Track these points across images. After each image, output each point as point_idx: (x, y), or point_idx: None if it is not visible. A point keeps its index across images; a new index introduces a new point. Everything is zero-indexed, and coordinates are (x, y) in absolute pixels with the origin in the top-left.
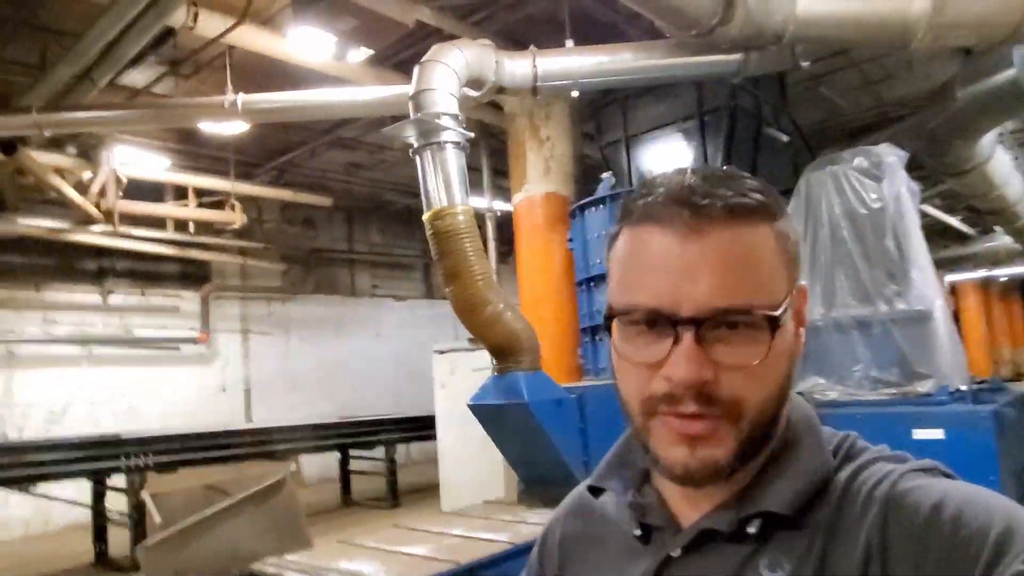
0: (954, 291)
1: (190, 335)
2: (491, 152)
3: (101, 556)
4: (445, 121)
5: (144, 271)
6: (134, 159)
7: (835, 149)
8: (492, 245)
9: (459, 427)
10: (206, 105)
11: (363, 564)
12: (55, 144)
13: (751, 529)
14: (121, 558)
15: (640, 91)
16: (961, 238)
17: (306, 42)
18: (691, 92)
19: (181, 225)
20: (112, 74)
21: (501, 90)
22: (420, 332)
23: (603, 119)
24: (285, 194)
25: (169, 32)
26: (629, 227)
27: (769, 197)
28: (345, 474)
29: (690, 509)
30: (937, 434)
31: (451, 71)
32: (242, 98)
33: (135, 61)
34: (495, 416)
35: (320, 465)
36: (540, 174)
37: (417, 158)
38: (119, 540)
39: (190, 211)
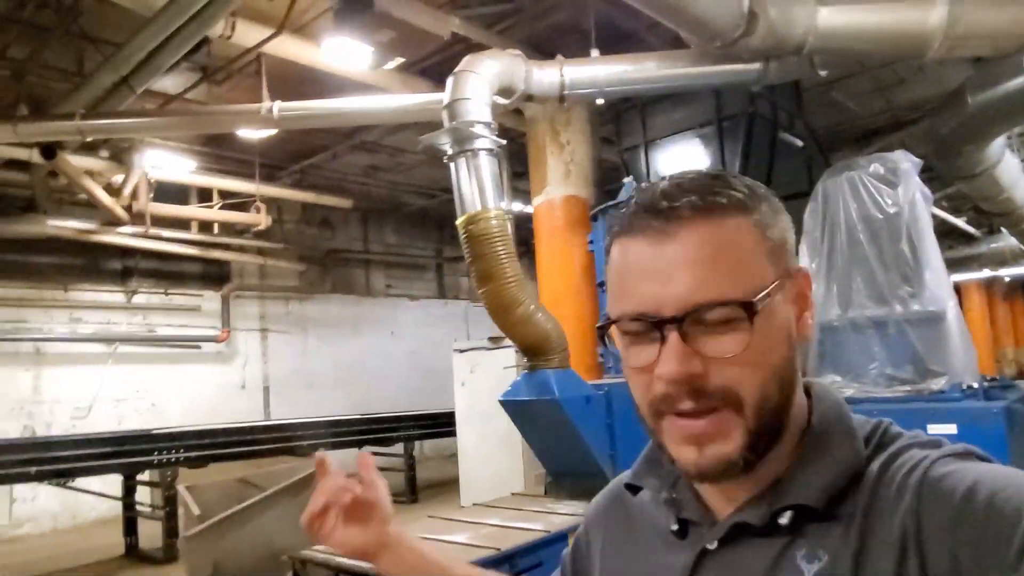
0: (958, 291)
1: (211, 334)
2: (508, 155)
3: (131, 548)
4: (479, 129)
5: (167, 271)
6: (162, 162)
7: (847, 152)
8: None
9: (479, 424)
10: (243, 112)
11: None
12: (88, 148)
13: (783, 521)
14: (151, 550)
15: (659, 97)
16: (966, 239)
17: (343, 52)
18: (710, 98)
19: (204, 226)
20: (150, 81)
21: (530, 98)
22: (433, 331)
23: (622, 124)
24: (307, 196)
25: (203, 40)
26: (616, 240)
27: (743, 192)
28: None
29: (724, 503)
30: (950, 429)
31: (484, 80)
32: (278, 106)
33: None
34: (525, 411)
35: (336, 462)
36: (560, 177)
37: (451, 164)
38: (147, 533)
39: (218, 213)
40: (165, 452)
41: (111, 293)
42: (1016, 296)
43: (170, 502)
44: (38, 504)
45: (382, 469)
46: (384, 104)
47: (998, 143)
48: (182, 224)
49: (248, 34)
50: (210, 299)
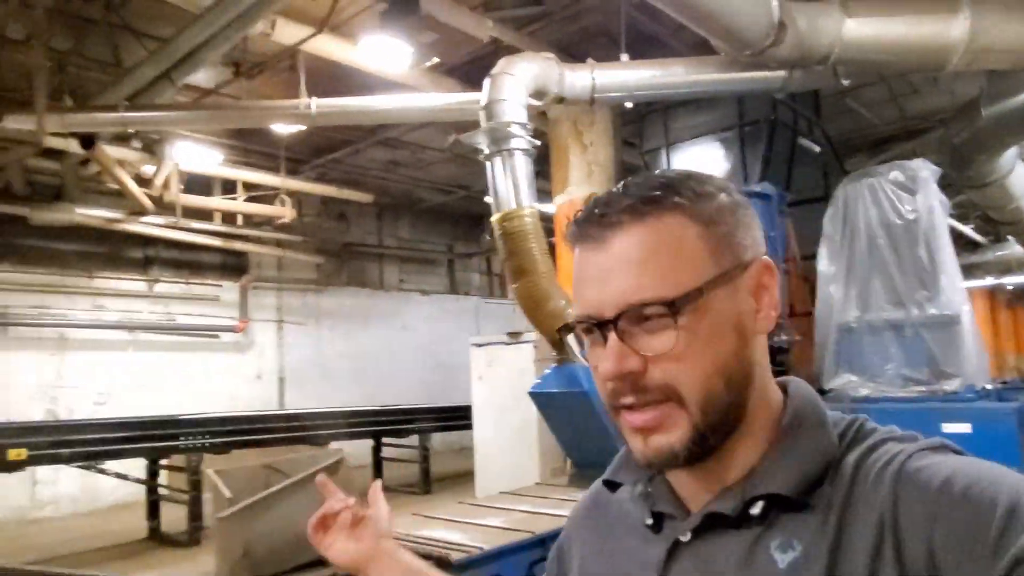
0: None
1: (229, 324)
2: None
3: (154, 532)
4: (515, 129)
5: (186, 261)
6: (192, 154)
7: (859, 158)
8: None
9: (496, 417)
10: (281, 108)
11: (445, 533)
12: (120, 138)
13: (754, 511)
14: (175, 534)
15: (682, 101)
16: (972, 246)
17: (383, 52)
18: (732, 104)
19: (226, 217)
20: (189, 75)
21: (561, 100)
22: (445, 326)
23: (645, 126)
24: (329, 190)
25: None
26: (573, 249)
27: (686, 190)
28: (377, 460)
29: (697, 496)
30: (965, 428)
31: (520, 82)
32: (316, 102)
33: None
34: (554, 403)
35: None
36: (582, 177)
37: (487, 164)
38: (167, 518)
39: (244, 205)
40: (191, 438)
41: (133, 281)
42: (1019, 304)
43: (195, 487)
44: (59, 487)
45: (397, 460)
46: (419, 103)
47: (1010, 154)
48: (206, 215)
49: (287, 31)
50: (229, 289)
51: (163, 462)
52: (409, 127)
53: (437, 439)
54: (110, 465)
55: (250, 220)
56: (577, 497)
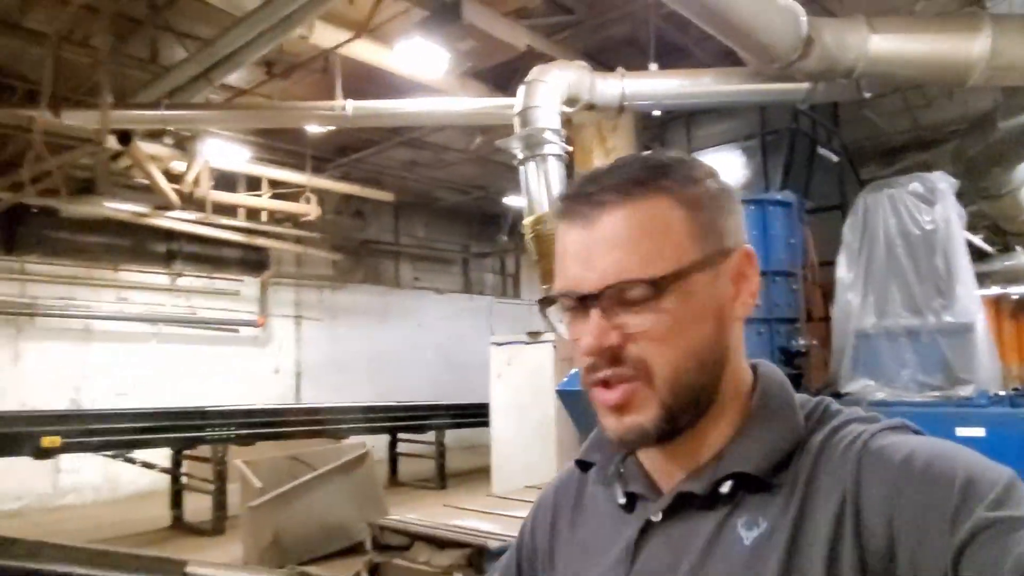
0: None
1: (249, 318)
2: None
3: (177, 520)
4: (549, 135)
5: (208, 255)
6: (221, 151)
7: (872, 167)
8: None
9: (513, 415)
10: (318, 109)
11: (477, 523)
12: (152, 135)
13: (723, 490)
14: (199, 523)
15: (704, 109)
16: (980, 255)
17: (420, 57)
18: (754, 113)
19: (250, 214)
20: (227, 75)
21: (591, 107)
22: (458, 324)
23: (667, 133)
24: (352, 188)
25: None
26: (556, 224)
27: (675, 174)
28: (393, 456)
29: (669, 476)
30: (979, 432)
31: (553, 90)
32: (352, 104)
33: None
34: (581, 401)
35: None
36: None
37: (521, 168)
38: (189, 507)
39: (272, 202)
40: (218, 429)
41: (156, 275)
42: (1023, 314)
43: (220, 477)
44: (81, 476)
45: (414, 456)
46: (451, 107)
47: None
48: (230, 211)
49: (325, 35)
50: (249, 284)
51: (186, 452)
52: (432, 128)
53: (449, 436)
54: (137, 454)
55: (272, 216)
56: None
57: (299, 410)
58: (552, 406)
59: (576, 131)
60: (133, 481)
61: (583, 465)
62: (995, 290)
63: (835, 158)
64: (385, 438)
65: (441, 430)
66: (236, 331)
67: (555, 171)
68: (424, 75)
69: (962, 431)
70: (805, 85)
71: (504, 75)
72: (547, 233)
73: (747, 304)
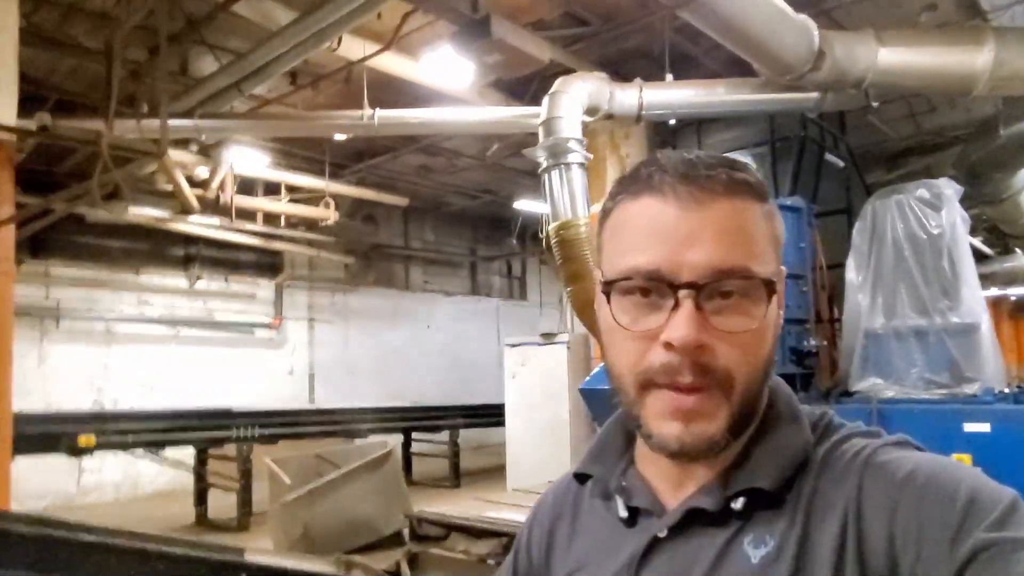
0: None
1: (265, 321)
2: None
3: (202, 517)
4: (572, 144)
5: (224, 259)
6: (243, 157)
7: (877, 172)
8: None
9: (527, 414)
10: (344, 118)
11: (512, 514)
12: (179, 142)
13: (736, 506)
14: (223, 520)
15: (716, 117)
16: (979, 257)
17: (445, 69)
18: (763, 120)
19: (267, 218)
20: (257, 86)
21: (610, 116)
22: (466, 326)
23: (678, 140)
24: (368, 193)
25: None
26: (627, 200)
27: (758, 181)
28: (408, 455)
29: (675, 491)
30: (984, 428)
31: (575, 100)
32: (379, 114)
33: None
34: (604, 400)
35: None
36: None
37: (544, 176)
38: (212, 505)
39: (291, 207)
40: (243, 428)
41: (175, 278)
42: (1021, 315)
43: (245, 475)
44: (103, 475)
45: (428, 455)
46: (475, 117)
47: None
48: (249, 215)
49: (352, 47)
50: (264, 287)
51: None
52: (446, 135)
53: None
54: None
55: (288, 220)
56: None
57: (319, 411)
58: (566, 406)
59: (591, 138)
60: (152, 480)
61: (581, 478)
62: (994, 291)
63: (841, 163)
64: (398, 438)
65: (455, 430)
66: (252, 333)
67: (578, 179)
68: (449, 86)
69: (969, 427)
70: (815, 95)
71: (522, 84)
72: (571, 238)
73: (781, 322)
